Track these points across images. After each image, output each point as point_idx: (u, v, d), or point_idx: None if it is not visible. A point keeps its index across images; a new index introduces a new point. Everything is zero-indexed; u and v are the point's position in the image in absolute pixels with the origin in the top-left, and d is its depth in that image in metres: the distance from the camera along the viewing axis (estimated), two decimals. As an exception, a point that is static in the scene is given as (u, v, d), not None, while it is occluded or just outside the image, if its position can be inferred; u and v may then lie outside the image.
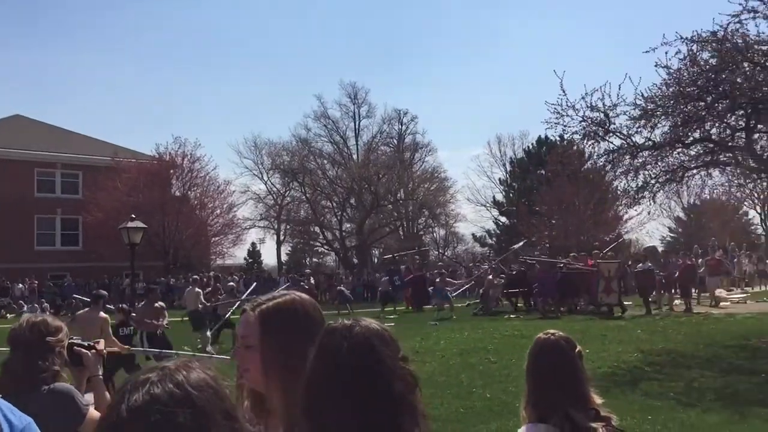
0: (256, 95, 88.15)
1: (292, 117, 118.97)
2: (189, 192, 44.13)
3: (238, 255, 57.16)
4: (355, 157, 55.28)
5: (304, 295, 1.89)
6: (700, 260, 24.17)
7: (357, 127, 57.19)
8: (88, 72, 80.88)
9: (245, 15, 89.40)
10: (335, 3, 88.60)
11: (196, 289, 16.74)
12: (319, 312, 1.86)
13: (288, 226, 55.05)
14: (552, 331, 2.78)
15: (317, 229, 50.74)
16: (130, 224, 12.69)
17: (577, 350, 2.64)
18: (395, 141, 58.72)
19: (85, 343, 2.86)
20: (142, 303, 13.80)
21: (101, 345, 2.90)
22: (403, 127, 58.56)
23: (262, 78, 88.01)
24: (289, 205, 53.75)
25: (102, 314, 9.44)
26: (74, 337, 2.91)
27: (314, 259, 65.25)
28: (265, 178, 54.66)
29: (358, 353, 1.46)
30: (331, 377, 1.46)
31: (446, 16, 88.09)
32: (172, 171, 42.67)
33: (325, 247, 53.99)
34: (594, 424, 2.43)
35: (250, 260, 65.26)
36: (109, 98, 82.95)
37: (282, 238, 57.34)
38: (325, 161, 53.11)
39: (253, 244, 64.62)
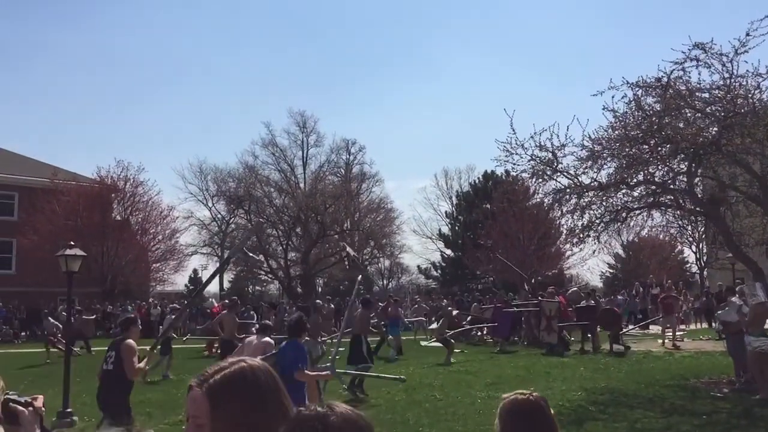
0: (202, 120, 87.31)
1: (239, 143, 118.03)
2: (130, 217, 43.03)
3: (179, 282, 56.01)
4: (302, 185, 55.02)
5: (254, 362, 1.78)
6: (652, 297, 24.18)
7: (305, 155, 57.10)
8: (27, 90, 78.78)
9: (192, 38, 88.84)
10: (285, 30, 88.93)
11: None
12: (272, 377, 1.76)
13: (232, 254, 54.21)
14: (525, 391, 2.67)
15: (261, 257, 50.05)
16: (69, 251, 12.13)
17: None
18: (343, 171, 58.80)
19: (22, 400, 2.63)
20: None
21: (39, 402, 2.68)
22: (351, 157, 58.81)
23: (209, 103, 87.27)
24: (233, 233, 53.01)
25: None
26: (10, 393, 2.68)
27: (257, 287, 64.35)
28: (210, 205, 53.95)
29: None
30: None
31: (397, 47, 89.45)
32: (113, 195, 41.56)
33: (269, 275, 53.26)
34: None
35: (192, 287, 63.94)
36: (49, 118, 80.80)
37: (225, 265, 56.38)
38: (272, 189, 52.68)
39: (195, 271, 63.48)
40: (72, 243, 12.32)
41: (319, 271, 51.76)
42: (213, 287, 62.12)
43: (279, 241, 50.04)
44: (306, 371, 7.47)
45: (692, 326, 28.64)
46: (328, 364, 9.09)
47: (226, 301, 17.18)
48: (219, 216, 54.17)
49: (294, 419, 1.45)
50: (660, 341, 20.94)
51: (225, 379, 1.70)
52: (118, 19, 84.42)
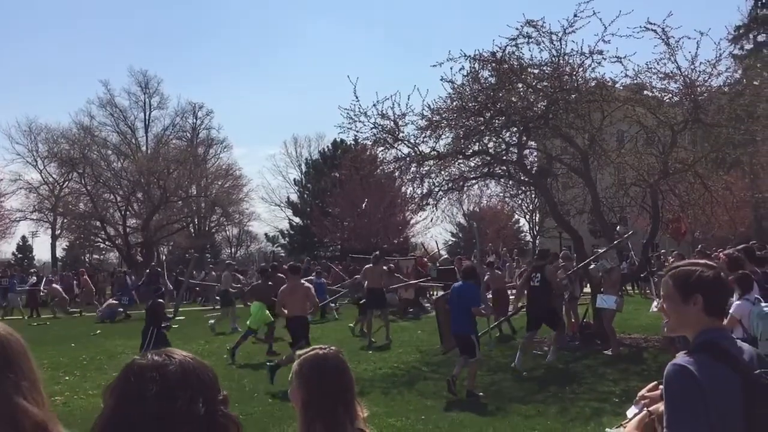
0: (32, 75, 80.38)
1: (74, 102, 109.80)
2: (-54, 179, 39.17)
3: (5, 250, 51.89)
4: (144, 149, 52.46)
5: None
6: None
7: (147, 118, 54.48)
8: None
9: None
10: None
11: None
12: (18, 343, 1.62)
13: (65, 220, 50.82)
14: (323, 345, 2.69)
15: (98, 223, 47.27)
16: None
17: None
18: (188, 135, 56.72)
19: None
20: None
21: None
22: (198, 121, 56.84)
23: (40, 57, 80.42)
24: (66, 197, 49.61)
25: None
26: None
27: (95, 256, 60.95)
28: (40, 167, 50.10)
29: (171, 399, 1.25)
30: (137, 427, 1.23)
31: (248, 11, 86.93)
32: (-76, 154, 37.58)
33: (107, 243, 50.55)
34: None
35: (20, 255, 59.45)
36: None
37: (58, 232, 52.87)
38: (110, 152, 49.76)
39: (24, 238, 59.06)
40: None
41: (162, 239, 49.84)
42: (45, 255, 58.22)
43: (117, 206, 47.46)
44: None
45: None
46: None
47: (373, 255, 16.87)
48: (51, 179, 50.40)
49: (129, 368, 1.33)
50: None
51: None
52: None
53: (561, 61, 13.05)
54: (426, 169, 14.69)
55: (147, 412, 1.25)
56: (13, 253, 58.84)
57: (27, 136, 50.16)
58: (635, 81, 13.44)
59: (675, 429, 2.17)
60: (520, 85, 13.50)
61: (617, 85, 13.62)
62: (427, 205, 15.97)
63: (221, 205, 53.23)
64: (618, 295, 12.98)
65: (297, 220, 55.54)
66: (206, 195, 52.27)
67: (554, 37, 12.90)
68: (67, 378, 11.63)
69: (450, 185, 15.22)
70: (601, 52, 12.67)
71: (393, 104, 13.73)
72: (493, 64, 13.29)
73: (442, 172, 14.97)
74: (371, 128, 14.20)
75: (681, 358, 2.27)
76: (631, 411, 2.76)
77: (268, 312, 13.94)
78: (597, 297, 13.21)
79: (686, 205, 15.34)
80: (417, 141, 14.19)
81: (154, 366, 1.31)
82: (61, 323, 22.14)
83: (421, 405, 8.93)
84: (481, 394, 9.59)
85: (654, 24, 12.55)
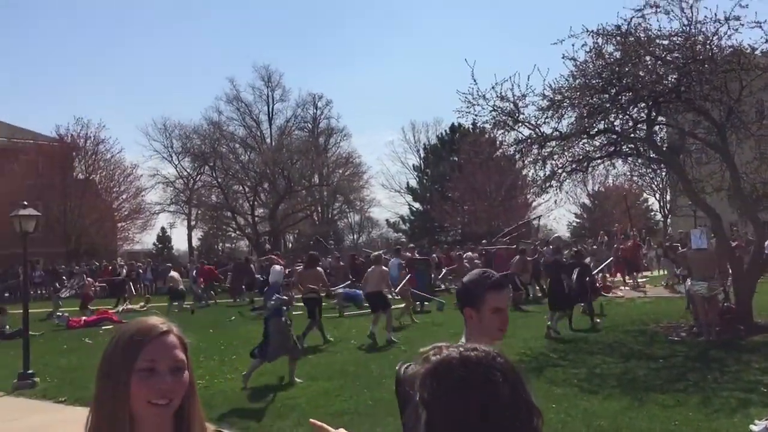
0: (165, 77, 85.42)
1: (203, 99, 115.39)
2: (93, 175, 42.30)
3: (147, 241, 55.55)
4: (268, 141, 54.37)
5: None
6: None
7: (270, 110, 56.26)
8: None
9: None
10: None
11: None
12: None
13: (199, 211, 53.74)
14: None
15: (229, 214, 49.60)
16: (22, 212, 11.83)
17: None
18: (309, 125, 58.15)
19: None
20: None
21: None
22: (318, 112, 58.08)
23: (172, 59, 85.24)
24: (200, 190, 52.43)
25: None
26: None
27: (227, 245, 64.06)
28: (175, 162, 53.16)
29: (514, 387, 1.40)
30: (489, 414, 1.36)
31: (363, 1, 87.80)
32: (74, 153, 40.75)
33: (238, 232, 52.95)
34: None
35: (160, 245, 63.41)
36: (5, 76, 78.28)
37: (193, 223, 55.99)
38: (237, 145, 51.97)
39: (163, 229, 62.95)
40: (25, 203, 11.99)
41: (288, 227, 51.61)
42: (182, 245, 61.83)
43: (246, 197, 49.56)
44: None
45: (655, 273, 29.11)
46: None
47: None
48: (185, 173, 53.40)
49: (464, 359, 1.42)
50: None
51: None
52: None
53: (693, 30, 12.27)
54: (548, 150, 14.28)
55: (500, 399, 1.37)
56: (154, 244, 62.84)
57: (162, 133, 53.37)
58: (777, 47, 12.43)
59: None
60: (648, 58, 12.80)
61: (757, 52, 12.63)
62: (550, 187, 15.54)
63: (343, 192, 54.34)
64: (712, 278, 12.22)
65: (417, 205, 55.77)
66: (328, 183, 53.52)
67: (685, 5, 12.16)
68: (207, 362, 12.28)
69: (574, 166, 14.72)
70: (738, 18, 11.79)
71: (512, 85, 13.44)
72: (618, 38, 12.68)
73: (566, 153, 14.50)
74: (490, 111, 13.97)
75: None
76: None
77: None
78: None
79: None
80: (538, 122, 13.82)
81: (488, 356, 1.42)
82: (199, 311, 23.31)
83: (551, 393, 8.71)
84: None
85: (797, -17, 11.54)
